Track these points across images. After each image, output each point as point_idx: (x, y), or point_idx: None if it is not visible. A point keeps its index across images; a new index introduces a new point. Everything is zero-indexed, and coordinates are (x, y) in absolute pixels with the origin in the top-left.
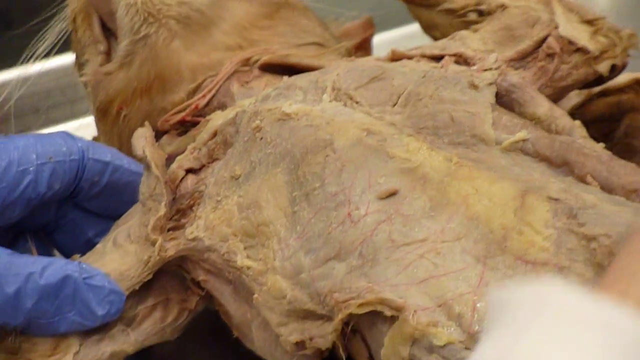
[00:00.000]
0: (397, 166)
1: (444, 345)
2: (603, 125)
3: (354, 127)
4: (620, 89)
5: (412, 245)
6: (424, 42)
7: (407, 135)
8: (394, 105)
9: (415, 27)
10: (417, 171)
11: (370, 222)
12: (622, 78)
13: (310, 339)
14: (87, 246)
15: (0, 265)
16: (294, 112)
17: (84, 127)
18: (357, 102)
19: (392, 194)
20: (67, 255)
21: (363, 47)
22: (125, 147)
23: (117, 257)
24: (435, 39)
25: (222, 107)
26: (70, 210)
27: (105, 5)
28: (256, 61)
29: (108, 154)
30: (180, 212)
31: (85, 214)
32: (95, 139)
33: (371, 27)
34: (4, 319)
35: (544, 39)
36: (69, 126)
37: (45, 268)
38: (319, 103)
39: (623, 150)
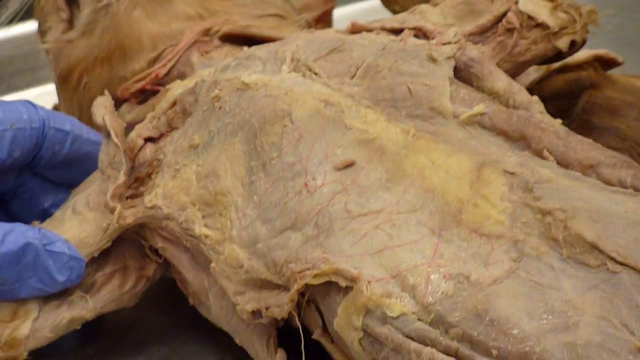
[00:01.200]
0: (355, 137)
1: (397, 316)
2: (561, 101)
3: (312, 98)
4: (579, 66)
5: (368, 216)
6: (384, 16)
7: (365, 107)
8: (353, 77)
9: (375, 2)
10: (374, 143)
11: (327, 192)
12: (582, 54)
13: (267, 309)
14: (42, 216)
15: None
16: (253, 82)
17: (46, 94)
18: (315, 74)
19: (349, 165)
20: None
21: (323, 20)
22: (86, 115)
23: (76, 224)
24: (395, 13)
25: (182, 76)
26: (29, 179)
27: None
28: (217, 31)
29: (68, 123)
30: (139, 180)
31: (44, 183)
32: (56, 106)
33: (333, 1)
34: None
35: (503, 14)
36: (31, 93)
37: (6, 235)
38: (278, 74)
39: (580, 126)
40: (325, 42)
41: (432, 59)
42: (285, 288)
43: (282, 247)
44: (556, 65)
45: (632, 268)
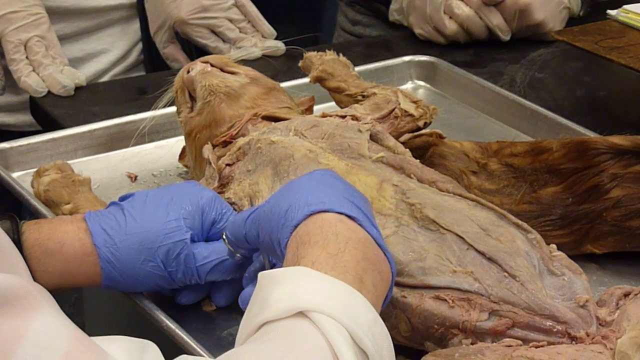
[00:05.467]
0: (323, 167)
1: None
2: (419, 151)
3: (303, 148)
4: (429, 135)
5: None
6: (337, 109)
7: (328, 153)
8: (322, 138)
9: (333, 103)
10: (332, 170)
11: None
12: (428, 130)
13: None
14: None
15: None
16: (276, 140)
17: (180, 141)
18: (305, 137)
19: None
20: None
21: (309, 110)
22: (198, 153)
23: None
24: (342, 108)
25: (243, 135)
26: None
27: (191, 86)
28: (260, 114)
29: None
30: (222, 185)
31: None
32: (183, 148)
33: (313, 101)
34: None
35: (393, 109)
36: (172, 140)
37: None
38: (288, 136)
39: (428, 163)
40: (310, 122)
41: (360, 131)
42: None
43: None
44: (417, 133)
45: (452, 232)
